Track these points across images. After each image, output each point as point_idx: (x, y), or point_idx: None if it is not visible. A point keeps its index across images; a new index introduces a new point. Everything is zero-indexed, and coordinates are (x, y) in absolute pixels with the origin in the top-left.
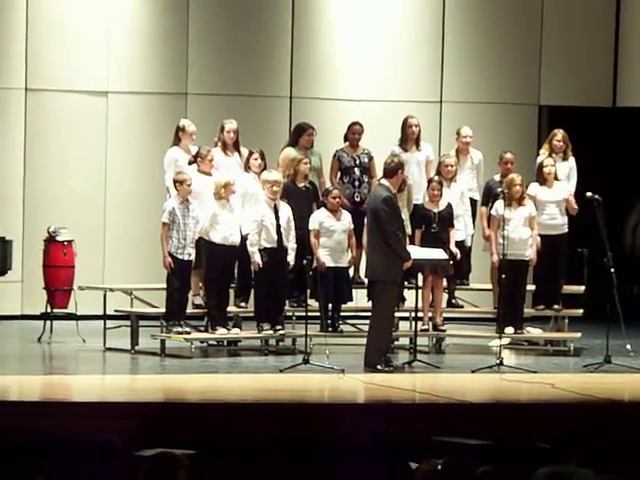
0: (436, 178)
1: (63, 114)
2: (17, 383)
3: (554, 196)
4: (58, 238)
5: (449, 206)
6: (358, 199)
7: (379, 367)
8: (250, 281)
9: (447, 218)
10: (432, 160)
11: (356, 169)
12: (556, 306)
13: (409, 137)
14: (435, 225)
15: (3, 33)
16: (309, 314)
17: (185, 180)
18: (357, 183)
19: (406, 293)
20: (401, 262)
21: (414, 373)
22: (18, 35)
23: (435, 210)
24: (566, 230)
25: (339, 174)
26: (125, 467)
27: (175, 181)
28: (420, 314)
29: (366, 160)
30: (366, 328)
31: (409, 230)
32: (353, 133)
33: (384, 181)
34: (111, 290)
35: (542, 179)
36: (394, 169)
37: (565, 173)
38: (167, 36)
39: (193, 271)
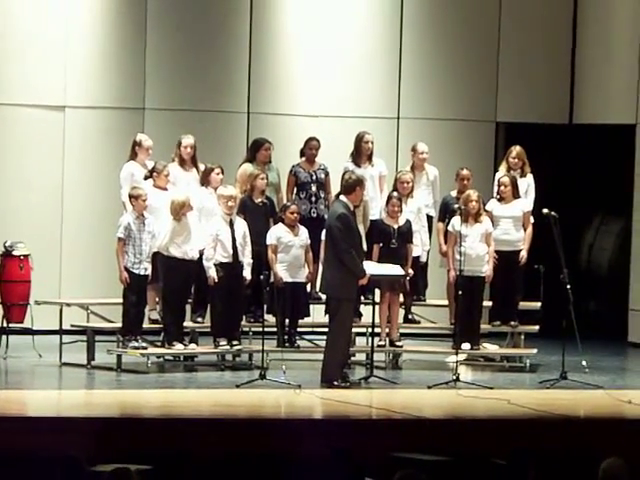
0: (395, 194)
1: (20, 128)
2: None
3: (509, 212)
4: (14, 252)
5: (408, 222)
6: (315, 215)
7: (336, 382)
8: (207, 296)
9: (406, 234)
10: (385, 175)
11: (312, 185)
12: (512, 322)
13: (363, 153)
14: (394, 241)
15: None
16: (266, 329)
17: (140, 195)
18: (314, 199)
19: (363, 309)
20: (355, 279)
21: (371, 389)
22: None
23: (395, 226)
24: (521, 247)
25: (295, 189)
26: None
27: (130, 196)
28: (377, 330)
29: (322, 176)
30: (323, 343)
31: (365, 246)
32: (310, 148)
33: (343, 197)
34: (67, 305)
35: (499, 196)
36: (353, 185)
37: (523, 190)
38: (124, 51)
39: (149, 286)
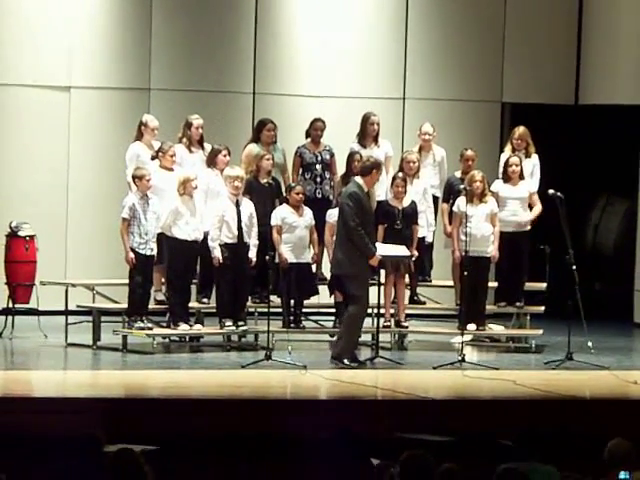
0: (400, 175)
1: (25, 109)
2: None
3: (516, 193)
4: (20, 233)
5: (413, 203)
6: (320, 195)
7: (346, 362)
8: (212, 277)
9: (411, 215)
10: (391, 156)
11: (318, 166)
12: (518, 303)
13: (369, 134)
14: (399, 222)
15: None
16: (271, 310)
17: (144, 175)
18: (319, 179)
19: None
20: (365, 258)
21: (376, 369)
22: None
23: (399, 207)
24: (528, 227)
25: (300, 170)
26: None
27: (134, 176)
28: (382, 310)
29: (327, 157)
30: (329, 324)
31: None
32: (315, 129)
33: (358, 179)
34: (73, 285)
35: (507, 177)
36: (369, 168)
37: (528, 170)
38: (130, 31)
39: (155, 267)
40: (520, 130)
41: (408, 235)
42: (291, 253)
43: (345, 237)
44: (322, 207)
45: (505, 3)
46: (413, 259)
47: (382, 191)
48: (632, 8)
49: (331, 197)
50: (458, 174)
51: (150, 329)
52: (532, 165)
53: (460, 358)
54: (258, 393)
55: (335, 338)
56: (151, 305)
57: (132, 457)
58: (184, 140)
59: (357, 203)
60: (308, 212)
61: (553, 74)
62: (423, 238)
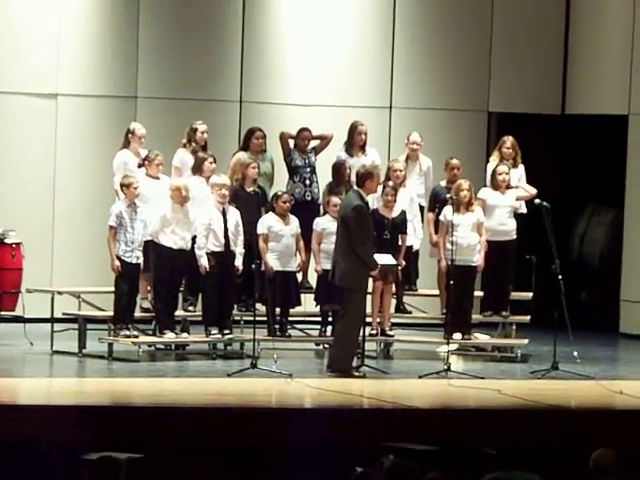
0: (390, 183)
1: (12, 116)
2: None
3: (504, 201)
4: (6, 241)
5: (402, 213)
6: (309, 198)
7: (354, 372)
8: (198, 285)
9: (400, 225)
10: (377, 165)
11: (307, 169)
12: (504, 312)
13: (356, 143)
14: (387, 232)
15: None
16: (257, 318)
17: (131, 183)
18: (308, 182)
19: None
20: (367, 270)
21: (362, 378)
22: None
23: (389, 217)
24: (515, 236)
25: (289, 174)
26: (71, 470)
27: (121, 184)
28: (368, 319)
29: (313, 159)
30: (314, 333)
31: None
32: (302, 139)
33: (356, 188)
34: (59, 293)
35: (495, 186)
36: (362, 178)
37: (515, 180)
38: (117, 39)
39: (141, 274)
40: (510, 140)
41: (396, 245)
42: (277, 261)
43: (348, 249)
44: (311, 210)
45: (492, 13)
46: (400, 268)
47: (370, 200)
48: (618, 18)
49: (319, 200)
50: (443, 183)
51: (136, 337)
52: (519, 175)
53: (445, 367)
54: (243, 402)
55: (333, 353)
56: (137, 313)
57: (114, 464)
58: (189, 145)
59: (361, 215)
60: (294, 220)
61: (540, 84)
62: (410, 247)
